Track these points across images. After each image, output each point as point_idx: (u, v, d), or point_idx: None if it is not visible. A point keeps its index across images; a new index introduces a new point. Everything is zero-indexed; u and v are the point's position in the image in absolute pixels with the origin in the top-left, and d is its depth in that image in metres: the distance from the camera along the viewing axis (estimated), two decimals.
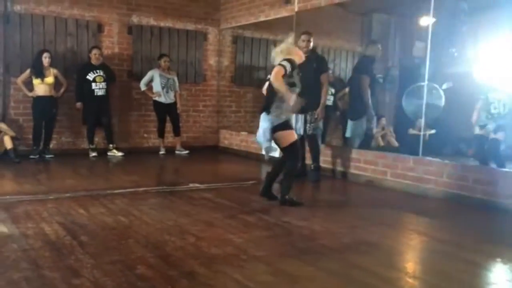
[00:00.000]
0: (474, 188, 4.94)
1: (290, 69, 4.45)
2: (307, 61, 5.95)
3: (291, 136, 4.67)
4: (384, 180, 5.90)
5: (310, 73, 5.92)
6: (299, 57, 4.72)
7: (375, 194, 5.63)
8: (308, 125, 6.00)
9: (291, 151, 4.66)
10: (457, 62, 7.32)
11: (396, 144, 7.92)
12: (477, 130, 6.41)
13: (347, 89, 8.22)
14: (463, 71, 7.10)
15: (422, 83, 6.25)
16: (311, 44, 6.06)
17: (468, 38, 7.28)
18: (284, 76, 4.42)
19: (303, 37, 6.07)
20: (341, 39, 9.26)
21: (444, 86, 6.86)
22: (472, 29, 7.21)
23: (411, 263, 3.41)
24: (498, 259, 3.35)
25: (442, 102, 6.79)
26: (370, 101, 6.45)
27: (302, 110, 5.92)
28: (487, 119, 6.27)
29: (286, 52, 4.61)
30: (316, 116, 5.97)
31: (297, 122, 6.04)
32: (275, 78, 4.40)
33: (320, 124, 6.14)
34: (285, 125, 4.64)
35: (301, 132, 6.04)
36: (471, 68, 6.83)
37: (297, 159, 4.82)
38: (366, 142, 6.67)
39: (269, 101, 4.59)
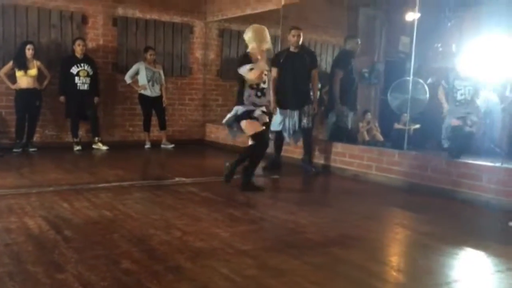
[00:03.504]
0: (458, 182, 5.00)
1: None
2: (299, 56, 6.07)
3: (255, 126, 4.90)
4: (369, 174, 5.93)
5: (303, 68, 6.03)
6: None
7: (361, 188, 5.66)
8: (306, 118, 6.07)
9: (257, 140, 4.91)
10: (442, 57, 7.38)
11: (381, 138, 7.98)
12: (454, 122, 6.00)
13: None
14: (448, 66, 7.16)
15: (407, 78, 6.29)
16: (301, 39, 6.08)
17: (452, 34, 7.35)
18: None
19: (293, 32, 6.07)
20: (327, 33, 9.27)
21: (429, 81, 6.92)
22: (457, 24, 7.27)
23: (395, 256, 3.44)
24: (482, 253, 3.40)
25: (427, 97, 6.85)
26: (338, 95, 6.50)
27: (296, 106, 6.08)
28: (456, 107, 6.02)
29: (259, 37, 4.84)
30: (314, 111, 6.13)
31: (292, 118, 6.11)
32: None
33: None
34: (249, 115, 4.92)
35: (296, 127, 6.14)
36: (455, 63, 6.88)
37: (263, 148, 5.01)
38: (336, 136, 6.63)
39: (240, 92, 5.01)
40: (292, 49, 6.13)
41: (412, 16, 6.11)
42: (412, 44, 6.02)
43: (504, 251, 3.45)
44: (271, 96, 6.00)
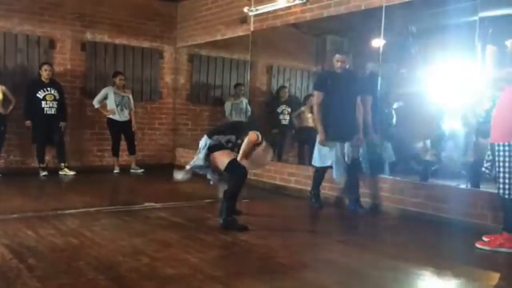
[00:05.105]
0: (425, 204, 5.09)
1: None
2: (344, 81, 5.34)
3: (225, 155, 4.39)
4: (339, 198, 5.97)
5: (349, 94, 5.35)
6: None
7: (331, 212, 5.69)
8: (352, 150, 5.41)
9: (232, 171, 4.34)
10: (407, 83, 7.57)
11: None
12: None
13: (303, 108, 8.41)
14: (413, 91, 7.35)
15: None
16: (347, 65, 5.41)
17: (417, 60, 7.57)
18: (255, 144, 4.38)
19: (337, 57, 5.39)
20: (296, 59, 9.42)
21: (395, 106, 7.08)
22: (421, 51, 7.50)
23: (365, 280, 3.45)
24: (449, 274, 3.44)
25: (394, 121, 6.99)
26: (370, 123, 5.71)
27: (345, 138, 5.36)
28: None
29: None
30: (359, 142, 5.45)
31: (343, 150, 5.40)
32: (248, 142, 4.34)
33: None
34: (220, 146, 4.48)
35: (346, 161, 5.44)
36: (420, 88, 7.06)
37: (240, 179, 4.35)
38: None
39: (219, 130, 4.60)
40: (338, 71, 5.41)
41: (377, 43, 6.26)
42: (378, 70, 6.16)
43: (471, 272, 3.51)
44: (317, 125, 5.36)
